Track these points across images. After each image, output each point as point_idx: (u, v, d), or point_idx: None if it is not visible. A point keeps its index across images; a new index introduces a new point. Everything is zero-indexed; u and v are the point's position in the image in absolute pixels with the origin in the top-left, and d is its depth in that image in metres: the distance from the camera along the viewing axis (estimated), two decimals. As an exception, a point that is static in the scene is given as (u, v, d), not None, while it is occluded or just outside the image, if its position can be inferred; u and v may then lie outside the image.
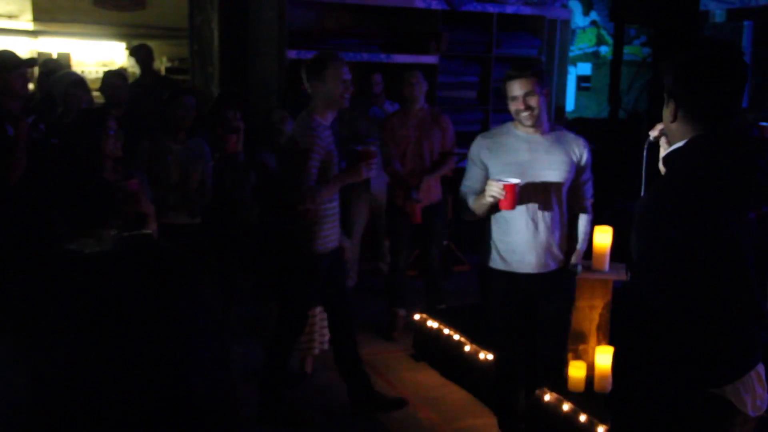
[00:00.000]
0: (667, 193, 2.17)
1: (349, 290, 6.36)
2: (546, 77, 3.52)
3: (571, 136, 3.65)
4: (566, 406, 3.75)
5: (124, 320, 0.73)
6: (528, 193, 3.49)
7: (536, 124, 3.49)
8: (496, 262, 3.63)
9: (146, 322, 0.73)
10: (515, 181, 3.42)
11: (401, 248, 5.71)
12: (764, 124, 6.32)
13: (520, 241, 3.56)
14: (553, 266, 3.62)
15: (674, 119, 2.22)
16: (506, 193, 3.38)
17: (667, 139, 2.35)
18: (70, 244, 0.80)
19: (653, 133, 2.55)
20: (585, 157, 3.63)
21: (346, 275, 4.35)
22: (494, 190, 3.38)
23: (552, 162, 3.54)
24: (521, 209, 3.50)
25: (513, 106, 3.48)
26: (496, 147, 3.58)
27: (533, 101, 3.41)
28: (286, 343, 4.26)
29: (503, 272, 3.61)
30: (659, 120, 2.39)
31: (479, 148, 3.63)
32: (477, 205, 3.57)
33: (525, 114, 3.45)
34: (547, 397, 3.86)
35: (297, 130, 4.10)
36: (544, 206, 3.54)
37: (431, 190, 5.61)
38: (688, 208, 2.11)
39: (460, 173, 6.20)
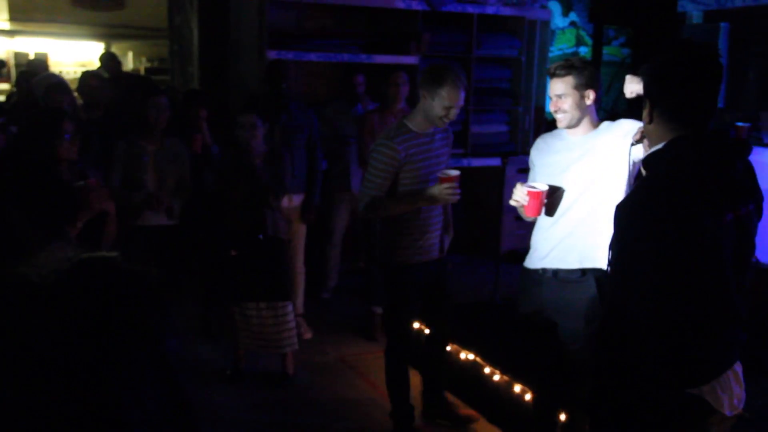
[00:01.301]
0: (649, 195, 2.15)
1: (330, 290, 6.41)
2: (594, 76, 3.28)
3: None
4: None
5: (58, 362, 0.70)
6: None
7: (571, 126, 3.33)
8: None
9: (77, 369, 0.70)
10: (542, 187, 3.29)
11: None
12: (741, 124, 6.41)
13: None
14: None
15: (651, 121, 2.22)
16: (530, 199, 3.28)
17: (647, 141, 2.36)
18: (24, 265, 0.76)
19: (635, 137, 2.57)
20: None
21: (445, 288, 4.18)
22: (518, 194, 3.30)
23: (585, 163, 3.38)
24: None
25: (550, 106, 3.40)
26: (545, 147, 3.50)
27: (564, 104, 3.27)
28: (396, 373, 4.10)
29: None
30: (638, 120, 2.40)
31: (532, 149, 3.57)
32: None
33: (557, 116, 3.34)
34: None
35: (380, 135, 4.03)
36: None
37: None
38: (670, 209, 2.09)
39: None
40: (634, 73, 3.10)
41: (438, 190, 3.71)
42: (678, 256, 2.09)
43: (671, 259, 2.09)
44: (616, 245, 2.21)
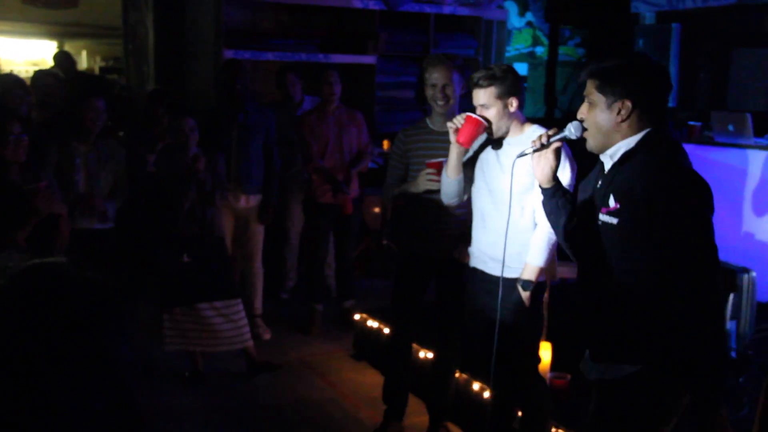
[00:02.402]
0: (676, 175, 2.30)
1: (289, 290, 6.40)
2: (516, 83, 3.30)
3: None
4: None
5: (5, 365, 0.69)
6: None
7: (499, 135, 3.41)
8: None
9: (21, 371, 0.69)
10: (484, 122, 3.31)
11: (321, 244, 5.77)
12: (693, 123, 6.54)
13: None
14: None
15: (626, 118, 2.36)
16: (465, 122, 3.29)
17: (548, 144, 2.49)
18: None
19: (540, 143, 2.56)
20: None
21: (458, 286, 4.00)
22: (458, 117, 3.33)
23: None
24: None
25: None
26: (487, 147, 3.53)
27: (488, 114, 3.32)
28: (392, 362, 4.20)
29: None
30: None
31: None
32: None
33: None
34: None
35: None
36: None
37: (351, 186, 5.69)
38: (697, 193, 2.28)
39: (376, 171, 6.33)
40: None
41: (420, 176, 3.78)
42: (706, 235, 2.28)
43: (702, 239, 2.27)
44: (631, 241, 2.32)
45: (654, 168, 2.31)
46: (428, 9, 7.25)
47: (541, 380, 3.62)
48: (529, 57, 10.03)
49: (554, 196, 2.52)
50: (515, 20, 9.37)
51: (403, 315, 4.14)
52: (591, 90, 2.41)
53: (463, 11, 7.51)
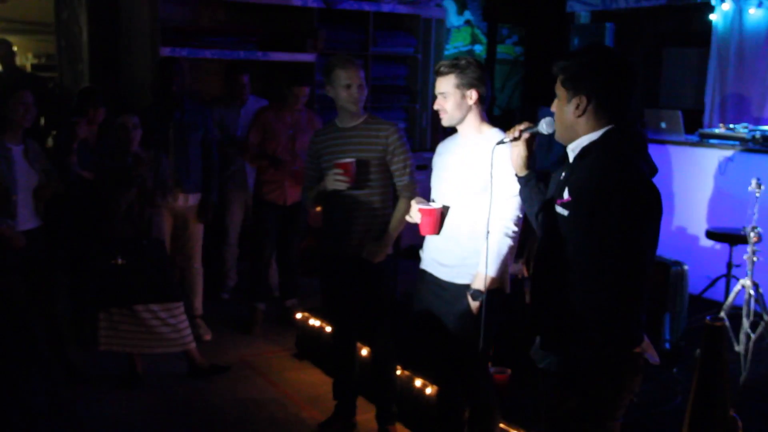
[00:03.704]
0: (616, 182, 2.30)
1: (229, 290, 6.35)
2: (480, 76, 3.26)
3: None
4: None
5: None
6: None
7: (453, 125, 3.39)
8: None
9: None
10: (436, 205, 3.30)
11: (266, 242, 5.75)
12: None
13: None
14: None
15: (583, 113, 2.41)
16: (422, 216, 3.30)
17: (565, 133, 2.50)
18: None
19: (511, 135, 2.65)
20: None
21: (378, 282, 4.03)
22: (412, 211, 3.36)
23: None
24: None
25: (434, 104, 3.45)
26: (441, 148, 3.54)
27: (446, 103, 3.31)
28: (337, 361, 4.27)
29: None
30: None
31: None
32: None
33: (440, 115, 3.40)
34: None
35: None
36: None
37: (299, 188, 5.66)
38: (640, 190, 2.30)
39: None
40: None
41: (328, 175, 3.83)
42: (648, 233, 2.32)
43: (642, 238, 2.31)
44: (579, 235, 2.37)
45: (605, 167, 2.36)
46: (367, 7, 7.26)
47: (489, 376, 3.62)
48: (468, 55, 10.13)
49: (527, 184, 2.71)
50: (454, 18, 9.43)
51: (337, 314, 4.19)
52: (558, 84, 2.47)
53: (402, 9, 7.55)
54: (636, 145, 2.43)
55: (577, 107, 2.41)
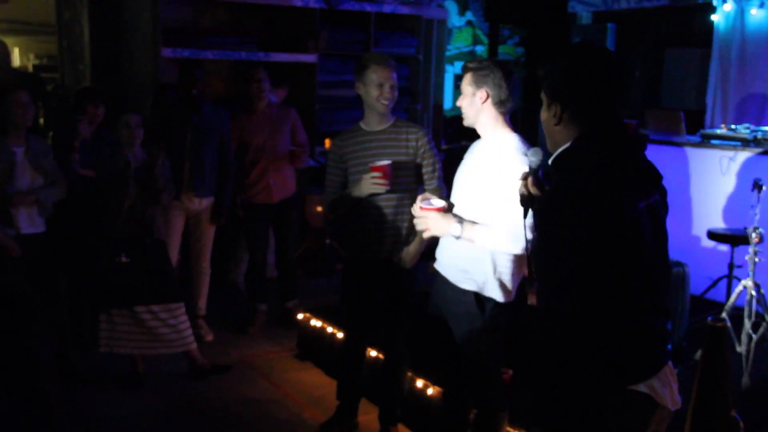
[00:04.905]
0: (566, 192, 2.15)
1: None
2: (489, 78, 3.22)
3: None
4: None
5: None
6: None
7: (470, 125, 3.35)
8: None
9: None
10: (438, 204, 3.24)
11: (259, 244, 5.73)
12: (628, 121, 6.68)
13: None
14: None
15: (559, 122, 2.26)
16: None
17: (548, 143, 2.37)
18: None
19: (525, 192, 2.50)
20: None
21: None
22: (414, 211, 3.31)
23: None
24: None
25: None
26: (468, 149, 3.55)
27: (461, 102, 3.31)
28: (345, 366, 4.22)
29: None
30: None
31: None
32: None
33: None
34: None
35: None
36: None
37: (286, 184, 5.67)
38: (590, 200, 2.09)
39: (318, 170, 6.34)
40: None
41: (364, 179, 3.75)
42: (604, 247, 2.07)
43: (598, 251, 2.07)
44: (541, 249, 2.21)
45: (561, 178, 2.22)
46: (369, 7, 7.26)
47: (500, 379, 3.50)
48: (470, 56, 10.11)
49: None
50: (455, 19, 9.44)
51: (355, 320, 4.13)
52: (542, 91, 2.35)
53: (404, 10, 7.54)
54: (615, 150, 2.21)
55: (554, 115, 2.27)
